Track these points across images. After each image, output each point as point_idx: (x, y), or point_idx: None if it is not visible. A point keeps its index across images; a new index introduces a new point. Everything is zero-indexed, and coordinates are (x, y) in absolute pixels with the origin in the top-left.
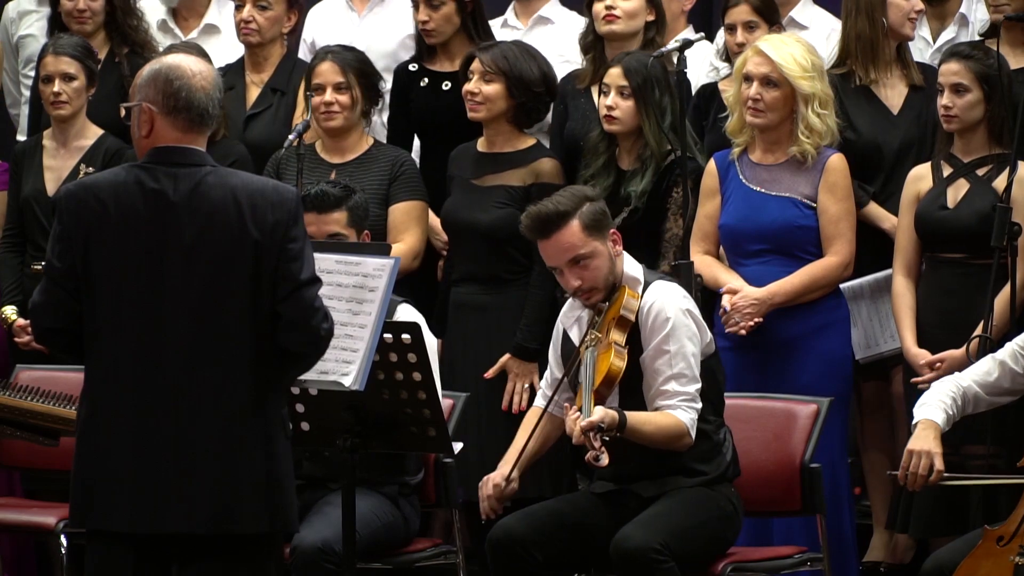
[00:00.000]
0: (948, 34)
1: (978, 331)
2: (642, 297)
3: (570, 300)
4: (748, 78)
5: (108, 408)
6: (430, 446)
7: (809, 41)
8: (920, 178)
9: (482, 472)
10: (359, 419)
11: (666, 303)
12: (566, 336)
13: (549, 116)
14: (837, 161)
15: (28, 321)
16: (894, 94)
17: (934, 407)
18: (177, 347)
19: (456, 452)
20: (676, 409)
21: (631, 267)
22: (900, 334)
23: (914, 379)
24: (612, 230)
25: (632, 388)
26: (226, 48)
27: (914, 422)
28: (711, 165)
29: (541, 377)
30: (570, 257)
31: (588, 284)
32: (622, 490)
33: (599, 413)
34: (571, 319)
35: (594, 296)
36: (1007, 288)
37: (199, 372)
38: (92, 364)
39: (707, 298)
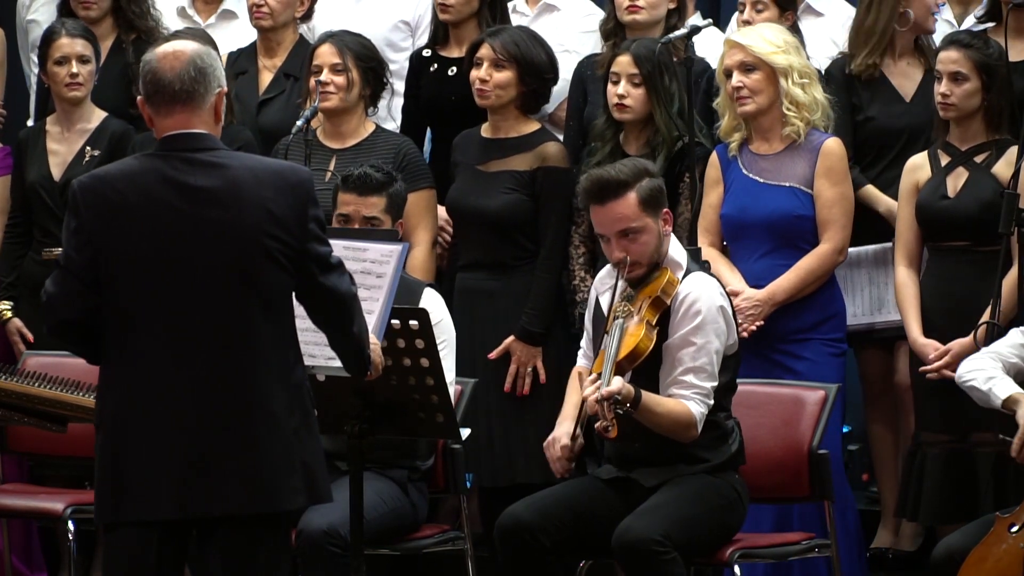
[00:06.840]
0: (973, 19)
1: (985, 317)
2: (680, 283)
3: (607, 267)
4: (728, 73)
5: (143, 397)
6: (438, 432)
7: (823, 27)
8: (918, 167)
9: (491, 458)
10: (367, 405)
11: (701, 296)
12: (598, 303)
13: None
14: (833, 145)
15: (22, 323)
16: (907, 81)
17: (1006, 380)
18: (205, 329)
19: (464, 438)
20: (690, 400)
21: (676, 251)
22: (906, 324)
23: (922, 368)
24: (665, 209)
25: (644, 370)
26: (243, 33)
27: (1001, 399)
28: (713, 156)
29: (544, 362)
30: (621, 228)
31: (633, 258)
32: (625, 478)
33: (617, 384)
34: (605, 286)
35: (635, 271)
36: (1013, 274)
37: (227, 355)
38: (119, 355)
39: None
